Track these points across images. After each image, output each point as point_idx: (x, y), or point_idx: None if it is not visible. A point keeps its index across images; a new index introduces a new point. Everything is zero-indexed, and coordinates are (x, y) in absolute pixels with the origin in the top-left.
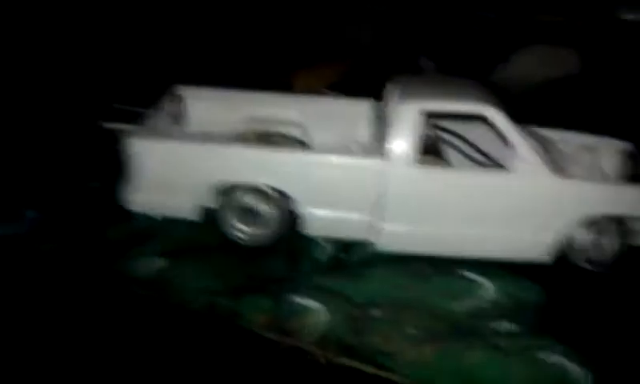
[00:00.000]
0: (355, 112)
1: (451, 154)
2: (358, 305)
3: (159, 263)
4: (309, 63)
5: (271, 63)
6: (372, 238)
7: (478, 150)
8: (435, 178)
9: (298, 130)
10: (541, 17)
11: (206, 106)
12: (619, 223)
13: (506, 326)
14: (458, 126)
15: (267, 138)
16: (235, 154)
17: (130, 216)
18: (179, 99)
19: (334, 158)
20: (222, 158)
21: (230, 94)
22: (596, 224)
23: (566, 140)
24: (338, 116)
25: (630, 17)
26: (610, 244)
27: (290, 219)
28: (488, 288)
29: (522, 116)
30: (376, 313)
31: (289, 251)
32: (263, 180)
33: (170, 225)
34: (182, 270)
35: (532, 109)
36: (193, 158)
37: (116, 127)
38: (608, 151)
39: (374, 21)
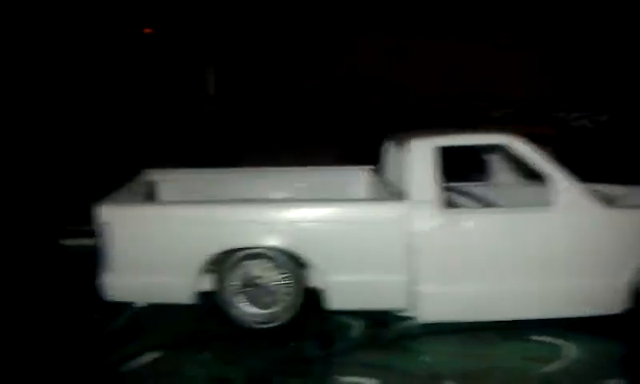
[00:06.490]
0: (351, 180)
1: None
2: (419, 378)
3: (152, 356)
4: None
5: None
6: (409, 307)
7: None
8: (470, 219)
9: None
10: None
11: (179, 189)
12: None
13: (613, 382)
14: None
15: None
16: (235, 213)
17: (107, 308)
18: (149, 183)
19: (352, 208)
20: (219, 220)
21: (206, 173)
22: None
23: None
24: (333, 187)
25: None
26: None
27: (306, 292)
28: (569, 348)
29: None
30: (447, 383)
31: (313, 331)
32: (273, 243)
33: (160, 314)
34: (184, 361)
35: None
36: (181, 224)
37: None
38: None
39: None
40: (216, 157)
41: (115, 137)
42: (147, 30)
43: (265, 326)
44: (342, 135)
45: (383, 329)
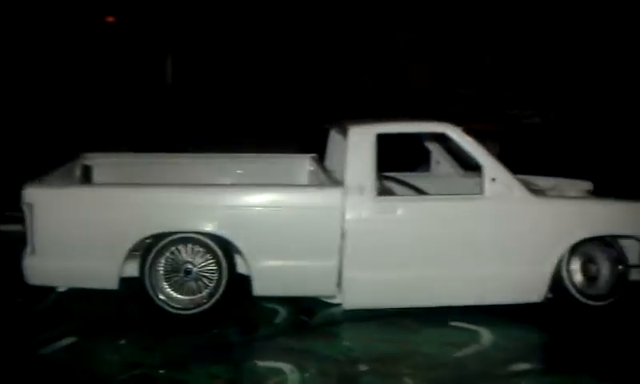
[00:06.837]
0: (293, 168)
1: None
2: (335, 361)
3: (70, 340)
4: None
5: None
6: (334, 293)
7: None
8: (401, 207)
9: None
10: None
11: (116, 173)
12: (610, 247)
13: (523, 366)
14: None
15: None
16: (164, 196)
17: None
18: (85, 167)
19: (284, 193)
20: (148, 203)
21: (146, 158)
22: (586, 250)
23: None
24: (275, 174)
25: None
26: (605, 273)
27: (232, 278)
28: (485, 334)
29: None
30: (362, 367)
31: (237, 317)
32: (202, 227)
33: (84, 299)
34: (101, 346)
35: None
36: (108, 207)
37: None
38: (570, 189)
39: None
40: (166, 146)
41: (69, 125)
42: (109, 19)
43: (189, 312)
44: (299, 128)
45: (308, 315)
